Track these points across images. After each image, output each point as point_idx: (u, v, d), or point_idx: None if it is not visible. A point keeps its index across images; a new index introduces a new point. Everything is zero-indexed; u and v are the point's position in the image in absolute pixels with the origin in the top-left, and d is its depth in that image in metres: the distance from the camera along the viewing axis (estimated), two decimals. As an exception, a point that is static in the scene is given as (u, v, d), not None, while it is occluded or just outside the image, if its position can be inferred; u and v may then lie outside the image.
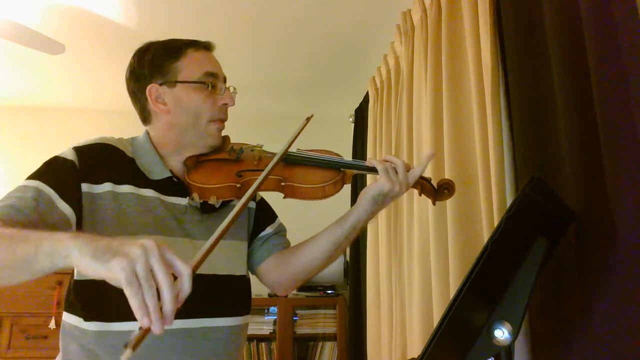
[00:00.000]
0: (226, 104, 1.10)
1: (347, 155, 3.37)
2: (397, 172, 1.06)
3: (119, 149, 1.05)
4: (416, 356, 0.96)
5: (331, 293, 3.19)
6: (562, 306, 1.06)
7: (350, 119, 3.42)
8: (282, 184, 1.06)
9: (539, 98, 1.21)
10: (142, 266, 0.62)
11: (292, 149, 1.12)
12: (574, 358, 1.00)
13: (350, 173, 1.11)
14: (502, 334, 0.82)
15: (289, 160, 1.09)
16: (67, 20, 2.45)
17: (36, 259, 0.70)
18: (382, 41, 2.56)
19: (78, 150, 1.00)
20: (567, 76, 1.06)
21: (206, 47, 1.12)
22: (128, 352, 0.60)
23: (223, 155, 1.10)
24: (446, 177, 1.61)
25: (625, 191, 0.88)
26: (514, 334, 0.81)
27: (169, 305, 0.63)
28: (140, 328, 0.62)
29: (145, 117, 1.11)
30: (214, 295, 1.04)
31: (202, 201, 1.04)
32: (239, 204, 0.88)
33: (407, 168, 1.08)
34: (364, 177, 2.82)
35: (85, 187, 0.96)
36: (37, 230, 0.76)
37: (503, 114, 1.40)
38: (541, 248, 0.87)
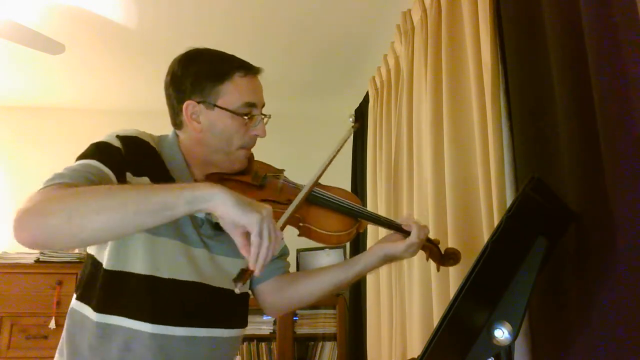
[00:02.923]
0: (257, 135, 1.10)
1: (348, 156, 3.39)
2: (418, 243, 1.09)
3: (153, 147, 1.06)
4: (416, 356, 0.96)
5: (331, 293, 3.18)
6: (562, 306, 1.06)
7: (350, 119, 3.42)
8: (300, 224, 1.07)
9: (539, 98, 1.21)
10: (267, 225, 0.81)
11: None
12: (574, 358, 1.00)
13: (365, 223, 1.13)
14: (502, 334, 0.82)
15: (311, 199, 1.09)
16: (67, 20, 2.45)
17: (176, 204, 0.81)
18: (382, 41, 2.55)
19: (122, 139, 1.01)
20: (567, 76, 1.06)
21: (254, 72, 1.10)
22: (240, 285, 0.84)
23: (247, 178, 1.10)
24: (446, 176, 1.62)
25: (625, 191, 0.88)
26: (514, 334, 0.82)
27: (268, 258, 0.82)
28: (246, 270, 0.83)
29: (177, 124, 1.11)
30: (224, 308, 1.07)
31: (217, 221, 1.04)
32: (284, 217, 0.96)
33: None
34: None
35: (128, 176, 0.98)
36: (162, 184, 0.87)
37: (503, 114, 1.40)
38: (541, 248, 0.87)
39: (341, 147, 1.13)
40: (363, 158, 3.03)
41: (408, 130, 2.09)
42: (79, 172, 0.91)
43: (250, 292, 1.20)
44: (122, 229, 0.83)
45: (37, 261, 2.93)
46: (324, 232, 1.07)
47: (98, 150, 0.97)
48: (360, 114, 3.29)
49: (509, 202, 1.30)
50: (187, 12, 2.40)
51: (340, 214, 1.10)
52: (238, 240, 0.83)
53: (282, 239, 0.85)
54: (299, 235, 1.09)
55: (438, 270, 1.21)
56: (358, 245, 2.89)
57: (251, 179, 1.10)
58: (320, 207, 1.09)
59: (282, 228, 0.97)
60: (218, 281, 1.05)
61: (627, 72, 0.87)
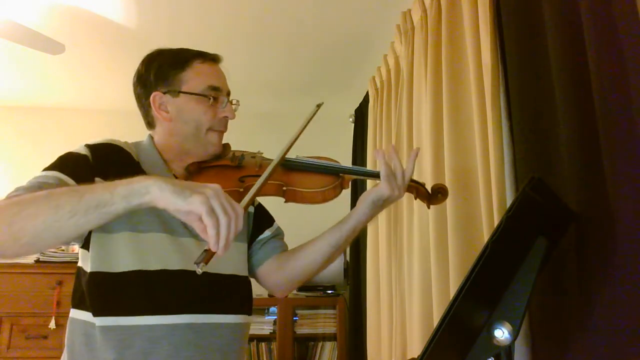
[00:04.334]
0: (226, 117, 1.14)
1: (348, 156, 3.39)
2: (396, 177, 1.08)
3: (127, 151, 1.08)
4: (416, 356, 0.96)
5: (331, 293, 3.19)
6: (562, 306, 1.06)
7: (350, 119, 3.42)
8: (284, 188, 1.09)
9: (539, 98, 1.21)
10: (219, 202, 0.77)
11: (292, 155, 1.14)
12: (574, 358, 1.00)
13: (348, 178, 1.15)
14: (502, 334, 0.82)
15: (289, 166, 1.12)
16: (67, 20, 2.45)
17: (112, 201, 0.78)
18: (382, 41, 2.56)
19: (90, 147, 1.04)
20: (567, 76, 1.06)
21: (213, 59, 1.15)
22: (202, 265, 0.77)
23: (225, 162, 1.14)
24: (446, 176, 1.62)
25: (625, 191, 0.88)
26: (514, 334, 0.81)
27: (232, 235, 0.78)
28: (207, 250, 0.78)
29: (149, 122, 1.15)
30: (221, 292, 1.07)
31: None
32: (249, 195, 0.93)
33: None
34: (364, 180, 2.82)
35: (98, 181, 0.98)
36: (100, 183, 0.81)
37: (503, 114, 1.40)
38: (541, 248, 0.87)
39: (307, 123, 1.18)
40: (363, 158, 3.03)
41: (408, 130, 2.09)
42: (36, 183, 0.91)
43: (251, 277, 1.20)
44: (60, 230, 0.79)
45: (37, 261, 2.93)
46: (308, 190, 1.09)
47: (60, 161, 1.00)
48: (360, 114, 3.29)
49: (509, 202, 1.30)
50: (186, 12, 2.40)
51: (321, 174, 1.12)
52: (195, 226, 0.79)
53: (242, 214, 0.81)
54: (285, 201, 1.10)
55: (428, 207, 1.22)
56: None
57: (229, 161, 1.13)
58: (299, 171, 1.12)
59: (260, 189, 0.95)
60: (211, 266, 1.05)
61: (627, 72, 0.88)
